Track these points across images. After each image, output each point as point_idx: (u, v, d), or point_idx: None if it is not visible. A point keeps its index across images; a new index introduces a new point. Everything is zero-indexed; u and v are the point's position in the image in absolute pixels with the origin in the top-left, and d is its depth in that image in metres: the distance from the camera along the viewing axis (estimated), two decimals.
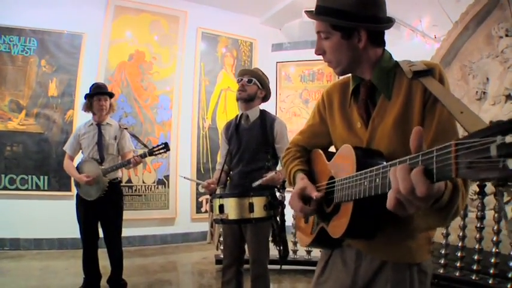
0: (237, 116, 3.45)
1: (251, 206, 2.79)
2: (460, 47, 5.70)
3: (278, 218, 3.00)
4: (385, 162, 1.15)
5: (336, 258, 1.64)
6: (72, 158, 4.28)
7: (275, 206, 2.94)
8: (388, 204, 0.96)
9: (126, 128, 4.35)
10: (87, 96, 4.18)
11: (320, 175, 1.62)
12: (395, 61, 1.51)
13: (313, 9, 1.51)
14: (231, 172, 3.41)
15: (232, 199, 2.83)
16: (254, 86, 3.31)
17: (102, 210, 4.05)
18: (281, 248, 3.04)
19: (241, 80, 3.30)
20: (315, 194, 1.49)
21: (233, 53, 8.09)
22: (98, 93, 4.13)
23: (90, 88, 4.20)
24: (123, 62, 6.93)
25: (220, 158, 3.56)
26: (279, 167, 3.29)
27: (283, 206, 3.07)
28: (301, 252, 5.17)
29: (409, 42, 7.39)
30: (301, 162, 1.74)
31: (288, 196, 4.86)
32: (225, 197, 2.87)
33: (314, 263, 4.99)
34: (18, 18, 6.20)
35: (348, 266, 1.57)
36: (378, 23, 1.45)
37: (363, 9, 1.42)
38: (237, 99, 3.35)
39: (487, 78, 5.32)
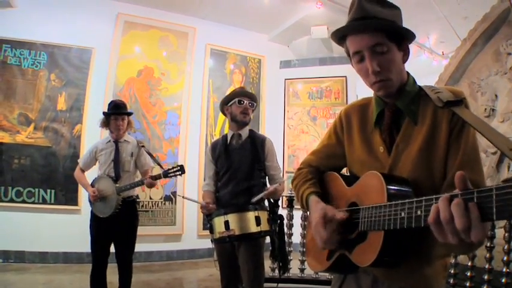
0: (224, 135, 3.42)
1: (258, 219, 2.76)
2: (469, 64, 5.68)
3: (277, 232, 3.00)
4: (411, 191, 1.25)
5: (350, 283, 1.59)
6: (83, 171, 4.29)
7: (275, 221, 2.95)
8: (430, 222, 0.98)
9: (143, 146, 4.33)
10: (104, 114, 4.20)
11: (337, 200, 1.57)
12: (419, 86, 1.50)
13: (358, 24, 1.41)
14: (217, 193, 3.31)
15: (237, 214, 2.79)
16: (252, 109, 3.34)
17: (115, 228, 4.01)
18: (280, 263, 3.04)
19: (243, 102, 3.28)
20: (340, 216, 1.40)
21: (241, 69, 8.12)
22: (115, 113, 4.13)
23: (109, 106, 4.19)
24: (132, 77, 6.97)
25: (207, 179, 3.43)
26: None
27: (282, 220, 3.07)
28: (309, 271, 5.07)
29: (417, 59, 7.40)
30: (313, 184, 1.68)
31: (296, 214, 4.84)
32: (229, 213, 2.80)
33: (322, 282, 4.94)
34: (29, 32, 6.28)
35: None
36: None
37: (402, 22, 1.44)
38: (237, 122, 3.29)
39: (496, 95, 5.29)
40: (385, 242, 1.22)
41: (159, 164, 4.24)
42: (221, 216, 2.79)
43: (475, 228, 0.87)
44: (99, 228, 4.01)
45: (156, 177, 4.02)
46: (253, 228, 2.75)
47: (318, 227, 1.46)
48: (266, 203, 3.14)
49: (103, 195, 4.00)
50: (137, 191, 4.35)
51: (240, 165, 3.20)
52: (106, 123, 4.17)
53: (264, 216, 2.84)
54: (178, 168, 4.03)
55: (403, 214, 1.11)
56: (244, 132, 3.32)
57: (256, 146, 3.25)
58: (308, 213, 1.72)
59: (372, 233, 1.29)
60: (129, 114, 4.28)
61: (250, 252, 3.01)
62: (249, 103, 3.28)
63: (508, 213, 0.79)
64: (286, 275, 4.53)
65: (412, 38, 1.43)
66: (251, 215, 2.78)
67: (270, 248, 3.12)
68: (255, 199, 2.90)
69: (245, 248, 3.01)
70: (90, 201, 4.11)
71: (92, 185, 4.11)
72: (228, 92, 7.63)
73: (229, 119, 3.36)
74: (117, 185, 4.00)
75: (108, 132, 4.28)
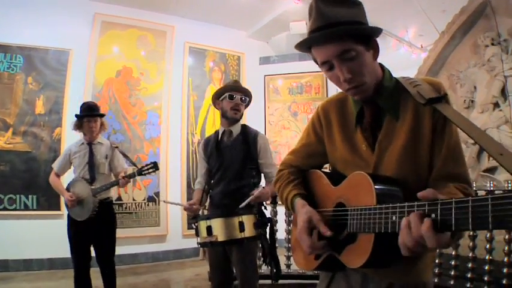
0: (216, 132, 3.29)
1: (241, 225, 2.62)
2: (447, 57, 5.76)
3: (268, 236, 2.87)
4: (399, 190, 1.26)
5: (339, 281, 1.57)
6: (58, 176, 4.24)
7: (264, 224, 2.80)
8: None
9: (117, 147, 4.32)
10: (77, 116, 4.14)
11: (323, 199, 1.54)
12: (395, 78, 1.47)
13: (320, 34, 1.32)
14: (210, 191, 3.24)
15: (221, 219, 2.65)
16: (244, 105, 3.22)
17: (94, 231, 3.97)
18: (273, 267, 2.88)
19: (234, 97, 3.14)
20: (327, 234, 1.37)
21: (221, 67, 8.09)
22: (88, 115, 4.08)
23: (81, 108, 4.14)
24: (111, 78, 6.88)
25: (199, 177, 3.36)
26: (262, 182, 3.18)
27: (273, 223, 2.94)
28: (295, 266, 5.05)
29: (396, 53, 7.46)
30: (297, 185, 1.64)
31: (280, 210, 4.82)
32: (212, 218, 2.68)
33: (309, 277, 4.97)
34: (4, 34, 6.13)
35: None
36: None
37: (366, 20, 1.38)
38: (227, 118, 3.16)
39: (475, 87, 5.38)
40: (375, 244, 1.21)
41: (134, 164, 4.25)
42: (204, 220, 2.69)
43: (428, 238, 0.96)
44: (78, 231, 3.96)
45: (131, 176, 4.04)
46: (236, 234, 2.62)
47: (302, 233, 1.43)
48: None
49: (79, 198, 3.96)
50: (114, 192, 4.34)
51: (230, 164, 3.09)
52: (79, 125, 4.13)
53: (249, 220, 2.69)
54: (152, 165, 4.07)
55: (394, 218, 1.10)
56: (236, 129, 3.19)
57: (249, 143, 3.12)
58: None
59: (361, 234, 1.28)
60: (102, 115, 4.24)
61: (241, 254, 2.95)
62: (241, 98, 3.15)
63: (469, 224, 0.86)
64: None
65: (378, 33, 1.37)
66: (235, 221, 2.64)
67: (261, 252, 3.05)
68: (241, 205, 2.79)
69: (237, 250, 2.95)
70: (66, 204, 4.05)
71: (68, 189, 4.07)
72: (208, 90, 7.68)
73: (220, 115, 3.23)
74: (92, 187, 3.97)
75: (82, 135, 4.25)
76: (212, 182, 3.22)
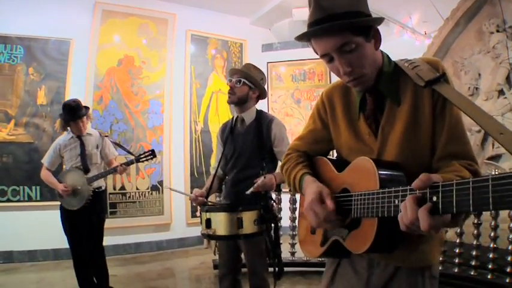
0: (233, 117, 3.18)
1: (239, 221, 2.54)
2: (452, 43, 5.71)
3: (272, 232, 2.75)
4: (403, 175, 1.26)
5: (345, 267, 1.59)
6: (49, 171, 4.25)
7: (267, 220, 2.69)
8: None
9: (106, 136, 4.36)
10: (61, 117, 4.13)
11: (328, 185, 1.50)
12: (394, 62, 1.46)
13: (318, 27, 1.29)
14: (226, 177, 3.18)
15: (220, 214, 2.59)
16: (244, 87, 2.99)
17: (85, 219, 4.02)
18: (275, 266, 2.75)
19: (230, 81, 3.00)
20: (330, 207, 1.35)
21: (223, 54, 8.03)
22: (74, 119, 4.04)
23: (63, 109, 4.05)
24: (112, 67, 6.83)
25: (215, 162, 3.31)
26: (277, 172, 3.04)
27: (277, 219, 2.84)
28: (299, 254, 5.11)
29: (399, 39, 7.38)
30: (306, 166, 1.64)
31: (284, 198, 4.81)
32: (212, 211, 2.62)
33: (312, 264, 4.98)
34: (4, 25, 6.08)
35: (360, 275, 1.52)
36: None
37: (367, 7, 1.36)
38: (228, 103, 3.09)
39: (479, 74, 5.34)
40: (379, 229, 1.21)
41: (128, 151, 4.33)
42: (204, 213, 2.63)
43: (422, 221, 0.97)
44: (72, 221, 4.02)
45: (128, 163, 4.08)
46: (233, 230, 2.55)
47: (314, 203, 1.40)
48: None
49: (73, 188, 3.99)
50: (106, 182, 4.39)
51: (242, 152, 3.00)
52: (65, 126, 4.15)
53: (249, 217, 2.60)
54: (150, 152, 4.12)
55: (397, 202, 1.10)
56: (249, 116, 3.05)
57: (262, 130, 2.98)
58: (300, 196, 1.69)
59: (365, 219, 1.28)
60: (87, 112, 4.20)
61: (249, 246, 2.92)
62: (235, 81, 2.98)
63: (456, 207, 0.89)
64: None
65: (379, 22, 1.34)
66: (233, 217, 2.55)
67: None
68: (247, 192, 2.71)
69: (244, 242, 2.89)
70: (58, 194, 4.09)
71: (59, 181, 4.08)
72: (209, 78, 7.63)
73: None
74: (87, 176, 4.01)
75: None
76: (227, 169, 3.15)
